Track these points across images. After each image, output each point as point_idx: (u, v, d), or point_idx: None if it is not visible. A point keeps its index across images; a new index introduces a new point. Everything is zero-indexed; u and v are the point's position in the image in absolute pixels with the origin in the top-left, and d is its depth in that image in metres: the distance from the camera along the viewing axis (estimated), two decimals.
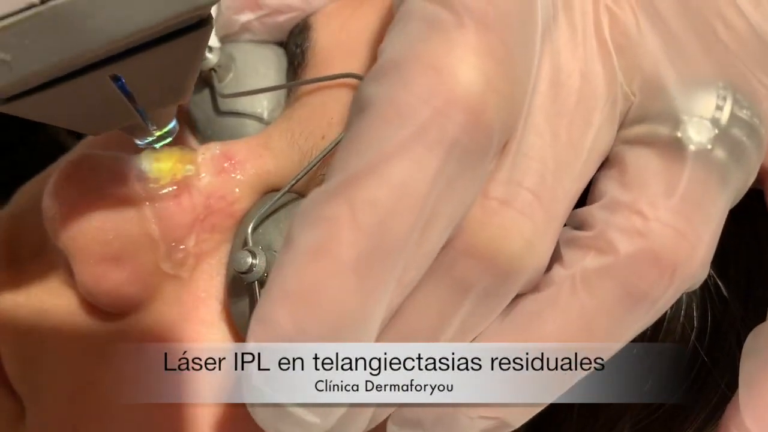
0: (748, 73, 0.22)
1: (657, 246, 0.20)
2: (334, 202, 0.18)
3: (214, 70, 0.29)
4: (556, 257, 0.21)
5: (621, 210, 0.20)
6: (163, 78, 0.21)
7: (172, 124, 0.25)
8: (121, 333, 0.26)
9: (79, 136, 0.48)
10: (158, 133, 0.25)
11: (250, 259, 0.24)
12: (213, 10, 0.20)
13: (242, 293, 0.25)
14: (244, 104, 0.29)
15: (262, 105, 0.29)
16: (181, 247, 0.26)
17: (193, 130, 0.30)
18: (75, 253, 0.25)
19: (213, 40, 0.31)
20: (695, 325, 0.25)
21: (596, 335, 0.20)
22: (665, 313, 0.24)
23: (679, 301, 0.25)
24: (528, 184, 0.20)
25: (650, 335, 0.24)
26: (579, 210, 0.21)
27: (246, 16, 0.30)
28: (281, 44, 0.31)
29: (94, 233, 0.25)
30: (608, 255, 0.20)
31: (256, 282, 0.24)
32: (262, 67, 0.30)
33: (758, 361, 0.22)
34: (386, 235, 0.18)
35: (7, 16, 0.17)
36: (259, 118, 0.29)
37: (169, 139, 0.25)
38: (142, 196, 0.26)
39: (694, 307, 0.25)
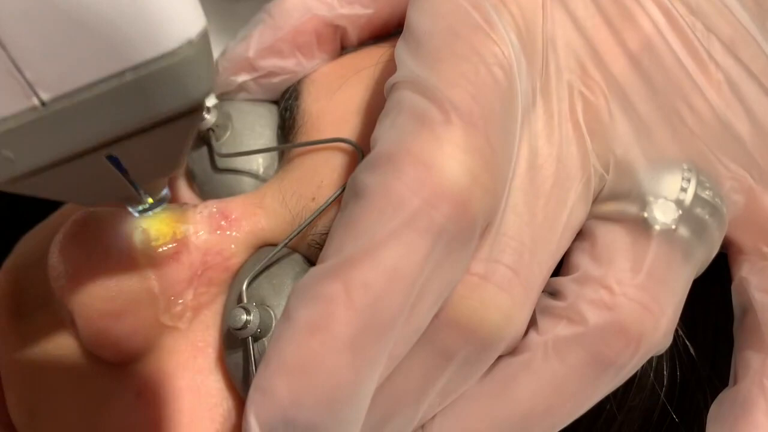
0: (711, 155, 0.24)
1: (623, 318, 0.22)
2: (331, 282, 0.19)
3: (212, 130, 0.30)
4: (532, 323, 0.23)
5: (591, 284, 0.22)
6: (157, 155, 0.22)
7: (164, 191, 0.26)
8: (123, 381, 0.27)
9: None
10: (151, 201, 0.26)
11: (244, 316, 0.25)
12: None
13: (236, 345, 0.27)
14: (240, 162, 0.30)
15: (257, 162, 0.30)
16: (180, 301, 0.27)
17: (191, 184, 0.31)
18: (79, 310, 0.26)
19: (211, 100, 0.32)
20: (665, 383, 0.26)
21: (566, 398, 0.22)
22: (636, 371, 0.26)
23: (650, 360, 0.26)
24: (506, 260, 0.22)
25: (622, 391, 0.26)
26: (554, 279, 0.23)
27: (242, 77, 0.31)
28: (275, 101, 0.32)
29: (97, 291, 0.26)
30: (578, 325, 0.22)
31: (250, 337, 0.26)
32: (257, 125, 0.31)
33: (722, 429, 0.23)
34: (379, 314, 0.19)
35: (12, 117, 0.18)
36: (254, 175, 0.30)
37: (160, 207, 0.26)
38: (143, 254, 0.27)
39: (665, 366, 0.26)
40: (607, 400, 0.26)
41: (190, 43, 0.18)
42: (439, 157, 0.20)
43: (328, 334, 0.19)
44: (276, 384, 0.19)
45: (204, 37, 0.19)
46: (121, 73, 0.18)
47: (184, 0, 0.18)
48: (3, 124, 0.18)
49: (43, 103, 0.18)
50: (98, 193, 0.24)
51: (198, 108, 0.20)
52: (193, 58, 0.19)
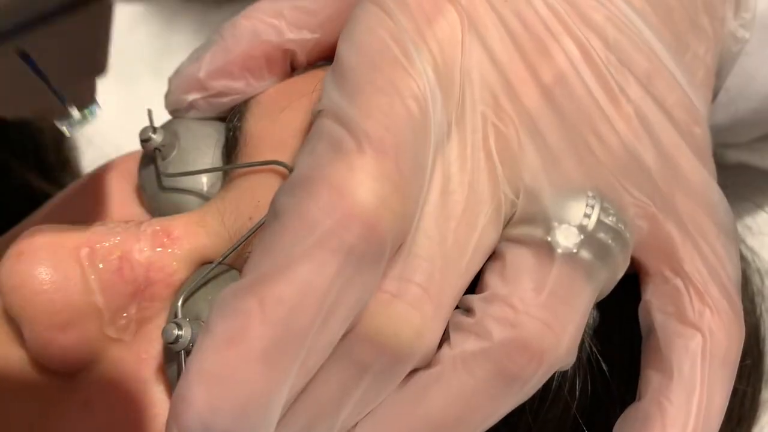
0: (617, 183, 0.25)
1: (526, 335, 0.23)
2: (247, 297, 0.21)
3: (158, 150, 0.31)
4: (446, 338, 0.24)
5: (497, 302, 0.23)
6: (71, 52, 0.21)
7: (93, 105, 0.25)
8: (69, 392, 0.28)
9: (49, 179, 0.49)
10: (78, 114, 0.24)
11: (176, 331, 0.26)
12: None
13: (174, 358, 0.27)
14: (186, 181, 0.31)
15: (202, 181, 0.31)
16: (124, 314, 0.28)
17: (142, 201, 0.32)
18: (25, 321, 0.27)
19: (163, 117, 0.33)
20: (577, 397, 0.28)
21: (474, 409, 0.23)
22: (552, 384, 0.27)
23: (565, 375, 0.27)
24: (417, 279, 0.23)
25: (538, 404, 0.27)
26: (467, 297, 0.24)
27: (192, 96, 0.32)
28: (223, 118, 0.33)
29: (44, 304, 0.27)
30: (485, 340, 0.23)
31: (182, 351, 0.26)
32: (203, 145, 0.32)
33: None
34: (290, 327, 0.20)
35: None
36: (199, 194, 0.31)
37: (91, 119, 0.25)
38: (88, 269, 0.28)
39: (578, 382, 0.28)
40: (524, 413, 0.27)
41: None
42: (351, 183, 0.21)
43: (243, 346, 0.20)
44: (194, 392, 0.20)
45: None
46: None
47: None
48: None
49: None
50: (18, 101, 0.23)
51: None
52: None
